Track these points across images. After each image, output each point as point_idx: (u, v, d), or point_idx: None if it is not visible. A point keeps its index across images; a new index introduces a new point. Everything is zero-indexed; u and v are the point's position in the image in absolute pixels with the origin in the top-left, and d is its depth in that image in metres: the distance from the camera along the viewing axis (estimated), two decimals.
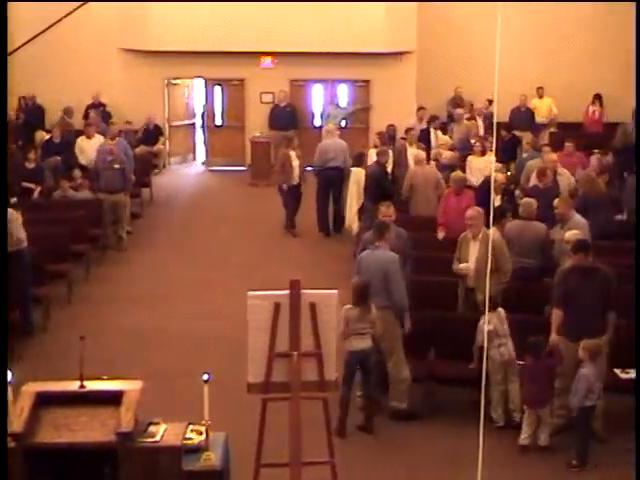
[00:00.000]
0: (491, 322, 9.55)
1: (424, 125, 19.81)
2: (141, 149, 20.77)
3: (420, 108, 21.12)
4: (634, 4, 23.20)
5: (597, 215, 12.68)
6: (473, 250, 10.76)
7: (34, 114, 21.81)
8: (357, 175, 15.75)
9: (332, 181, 17.15)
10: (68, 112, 20.70)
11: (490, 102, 21.63)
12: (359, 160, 16.17)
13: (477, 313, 10.10)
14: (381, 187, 14.74)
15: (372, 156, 16.47)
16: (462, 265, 10.73)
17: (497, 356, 9.61)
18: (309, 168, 17.98)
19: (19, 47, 21.98)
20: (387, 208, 11.42)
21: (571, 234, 10.66)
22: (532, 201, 11.92)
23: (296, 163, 16.98)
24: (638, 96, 15.66)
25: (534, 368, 9.30)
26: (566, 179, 14.48)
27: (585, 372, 8.92)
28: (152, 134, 21.98)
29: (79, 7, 19.99)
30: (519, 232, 11.49)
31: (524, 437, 9.35)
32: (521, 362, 9.67)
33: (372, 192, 14.81)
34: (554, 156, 14.97)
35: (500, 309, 9.85)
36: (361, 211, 15.48)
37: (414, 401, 10.14)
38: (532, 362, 9.33)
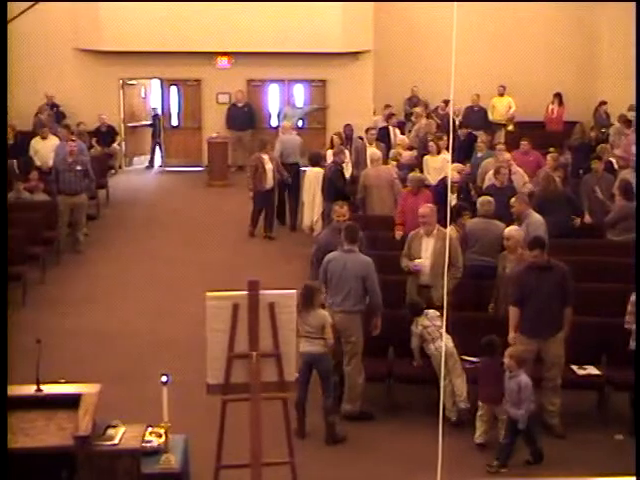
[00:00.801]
0: (419, 324, 9.74)
1: (394, 123, 19.87)
2: (96, 150, 20.61)
3: (387, 106, 21.17)
4: (593, 6, 23.54)
5: (554, 213, 12.79)
6: (426, 247, 10.77)
7: None
8: (315, 175, 15.74)
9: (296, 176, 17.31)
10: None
11: (446, 102, 21.80)
12: (316, 160, 16.16)
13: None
14: (336, 187, 14.80)
15: (329, 156, 16.50)
16: (418, 261, 10.71)
17: (435, 353, 9.66)
18: None
19: None
20: (340, 208, 11.39)
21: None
22: (490, 199, 11.99)
23: (269, 167, 16.65)
24: (638, 97, 15.76)
25: (488, 367, 9.35)
26: (520, 178, 14.57)
27: (524, 380, 8.87)
28: (106, 135, 21.81)
29: (30, 7, 19.86)
30: (482, 230, 11.55)
31: (479, 435, 9.39)
32: (473, 359, 9.75)
33: (328, 192, 14.88)
34: (508, 155, 15.06)
35: (428, 311, 9.99)
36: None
37: (373, 400, 10.16)
38: (486, 361, 9.38)
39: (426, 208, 11.06)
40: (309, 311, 9.36)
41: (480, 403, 9.43)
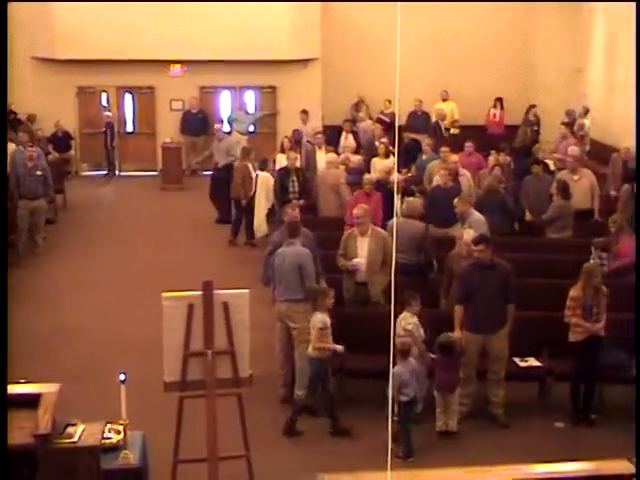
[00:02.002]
0: (406, 319, 9.71)
1: (348, 128, 19.97)
2: (53, 156, 20.38)
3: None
4: (529, 12, 23.81)
5: (496, 213, 12.93)
6: (361, 246, 10.86)
7: None
8: (263, 179, 15.69)
9: (224, 178, 17.37)
10: None
11: (390, 101, 22.01)
12: (264, 165, 16.11)
13: (369, 306, 10.62)
14: (287, 190, 14.90)
15: (281, 160, 16.49)
16: (355, 260, 10.79)
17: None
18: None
19: None
20: (292, 210, 11.47)
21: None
22: (417, 200, 12.09)
23: (254, 175, 16.28)
24: (638, 97, 15.88)
25: (445, 360, 9.43)
26: (466, 180, 14.68)
27: (395, 370, 8.91)
28: (62, 141, 21.60)
29: None
30: (398, 229, 11.55)
31: (440, 424, 9.50)
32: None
33: (280, 195, 14.94)
34: (456, 157, 15.16)
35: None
36: (269, 215, 15.48)
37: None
38: (443, 357, 9.45)
39: (360, 209, 11.14)
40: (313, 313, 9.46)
41: (436, 393, 9.53)
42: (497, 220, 12.90)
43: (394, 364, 8.58)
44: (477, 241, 9.96)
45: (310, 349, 9.47)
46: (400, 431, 9.04)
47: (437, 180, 14.29)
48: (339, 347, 9.51)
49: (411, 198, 12.41)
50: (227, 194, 17.08)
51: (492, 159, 16.07)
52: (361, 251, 10.86)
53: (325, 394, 9.57)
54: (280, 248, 10.26)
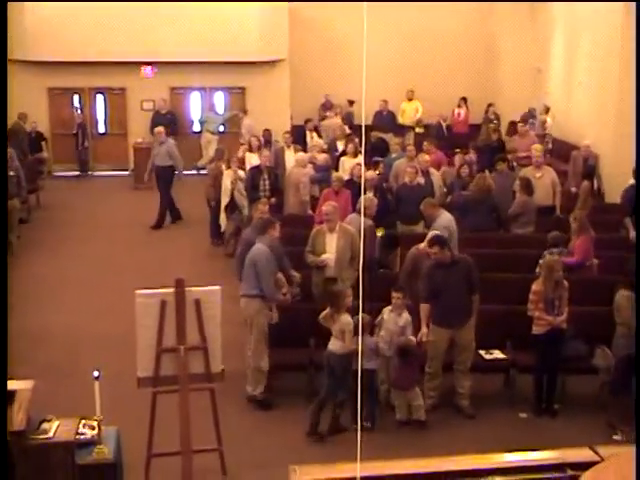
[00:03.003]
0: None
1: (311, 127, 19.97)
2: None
3: (308, 120, 21.17)
4: (490, 12, 23.95)
5: (479, 212, 13.04)
6: (330, 242, 10.90)
7: None
8: (227, 177, 15.59)
9: (160, 177, 17.78)
10: None
11: (350, 102, 22.09)
12: (227, 163, 16.03)
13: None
14: (258, 188, 14.92)
15: (250, 159, 16.46)
16: (325, 256, 10.84)
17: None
18: None
19: None
20: (263, 205, 11.69)
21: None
22: (372, 198, 12.11)
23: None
24: (638, 97, 15.94)
25: (402, 362, 9.49)
26: (437, 179, 14.73)
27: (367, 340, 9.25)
28: (35, 141, 21.45)
29: None
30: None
31: (400, 416, 9.59)
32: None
33: (251, 193, 14.96)
34: (427, 157, 15.17)
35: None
36: (227, 210, 15.42)
37: (297, 387, 10.20)
38: (400, 361, 9.51)
39: (329, 206, 11.17)
40: (334, 314, 9.36)
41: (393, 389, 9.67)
42: (485, 221, 13.03)
43: (362, 358, 8.60)
44: (431, 243, 10.01)
45: (339, 347, 9.26)
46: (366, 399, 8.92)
47: (402, 177, 14.35)
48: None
49: (366, 196, 12.41)
50: (165, 196, 17.70)
51: (458, 158, 16.15)
52: (330, 247, 10.90)
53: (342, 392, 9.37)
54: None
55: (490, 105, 23.39)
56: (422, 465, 6.17)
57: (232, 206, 15.33)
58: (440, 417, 9.73)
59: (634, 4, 16.55)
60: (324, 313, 9.49)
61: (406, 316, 9.75)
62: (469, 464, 6.12)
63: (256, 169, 15.38)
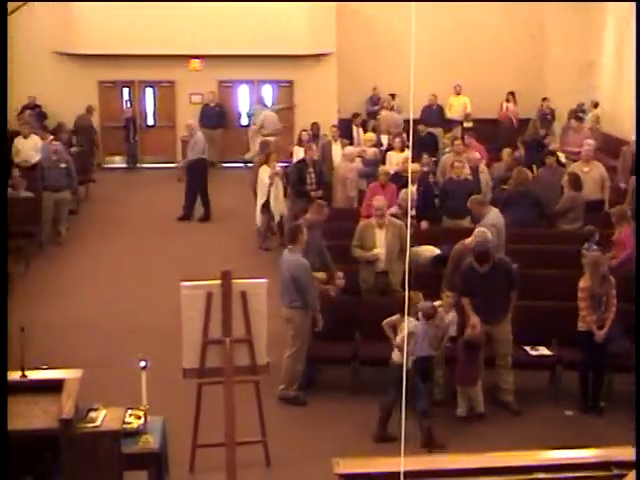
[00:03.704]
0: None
1: (359, 122, 19.97)
2: (76, 148, 20.44)
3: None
4: (541, 6, 23.70)
5: (522, 207, 12.92)
6: (380, 236, 10.84)
7: None
8: (260, 173, 15.62)
9: (200, 172, 17.57)
10: None
11: (392, 96, 21.98)
12: (265, 159, 15.97)
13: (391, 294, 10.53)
14: (301, 182, 14.93)
15: (298, 153, 16.47)
16: (376, 250, 10.77)
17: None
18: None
19: None
20: (320, 207, 11.33)
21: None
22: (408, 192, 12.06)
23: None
24: (638, 98, 15.83)
25: (468, 355, 9.44)
26: (485, 175, 14.62)
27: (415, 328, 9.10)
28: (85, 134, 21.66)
29: (21, 7, 19.75)
30: None
31: (461, 410, 9.57)
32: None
33: (297, 186, 14.98)
34: (478, 155, 15.07)
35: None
36: (264, 208, 15.43)
37: (341, 380, 10.21)
38: (466, 355, 9.44)
39: (380, 201, 11.12)
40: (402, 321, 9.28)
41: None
42: (527, 215, 12.92)
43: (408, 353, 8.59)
44: (480, 260, 9.79)
45: (395, 355, 9.14)
46: (414, 391, 8.80)
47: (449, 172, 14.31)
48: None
49: (405, 190, 12.40)
50: (192, 189, 17.65)
51: (506, 153, 16.02)
52: (380, 241, 10.84)
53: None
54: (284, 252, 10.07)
55: (545, 99, 23.10)
56: (466, 461, 6.14)
57: (268, 201, 15.35)
58: (484, 414, 9.68)
59: None
60: (391, 319, 9.39)
61: (453, 314, 9.73)
62: (514, 461, 6.08)
63: (302, 162, 15.39)
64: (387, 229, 10.84)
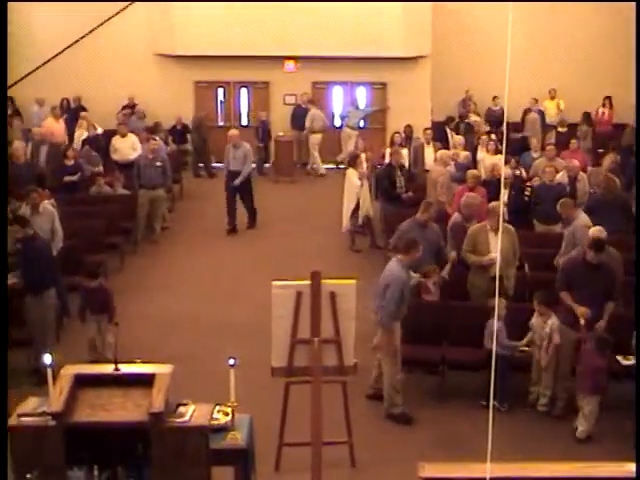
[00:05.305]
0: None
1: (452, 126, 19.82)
2: (171, 147, 20.80)
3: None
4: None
5: (609, 215, 12.65)
6: (494, 241, 10.67)
7: (77, 114, 21.72)
8: (349, 175, 15.62)
9: (236, 186, 16.66)
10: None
11: (494, 98, 21.75)
12: (353, 161, 16.00)
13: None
14: (392, 185, 14.92)
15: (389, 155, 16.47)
16: (493, 255, 10.52)
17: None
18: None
19: (58, 53, 22.32)
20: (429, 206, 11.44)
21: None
22: (475, 196, 12.02)
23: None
24: (638, 96, 15.50)
25: (601, 358, 9.20)
26: (584, 184, 14.32)
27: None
28: (180, 133, 22.03)
29: (122, 11, 20.24)
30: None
31: (582, 429, 9.30)
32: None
33: (388, 189, 15.00)
34: (577, 162, 14.81)
35: None
36: (354, 210, 15.41)
37: (427, 386, 10.16)
38: (601, 354, 9.22)
39: (494, 202, 11.03)
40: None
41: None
42: (614, 221, 12.66)
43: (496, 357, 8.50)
44: (593, 247, 9.63)
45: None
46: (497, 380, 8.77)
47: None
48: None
49: (472, 194, 12.33)
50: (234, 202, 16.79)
51: (608, 159, 15.68)
52: (493, 246, 10.66)
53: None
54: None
55: None
56: (553, 470, 6.05)
57: (357, 204, 15.34)
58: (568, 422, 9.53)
59: None
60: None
61: (551, 322, 9.59)
62: (601, 472, 5.96)
63: (390, 166, 15.34)
64: (502, 233, 10.58)
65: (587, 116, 22.04)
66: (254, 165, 18.81)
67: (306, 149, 22.39)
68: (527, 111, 22.42)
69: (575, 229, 11.46)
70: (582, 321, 9.42)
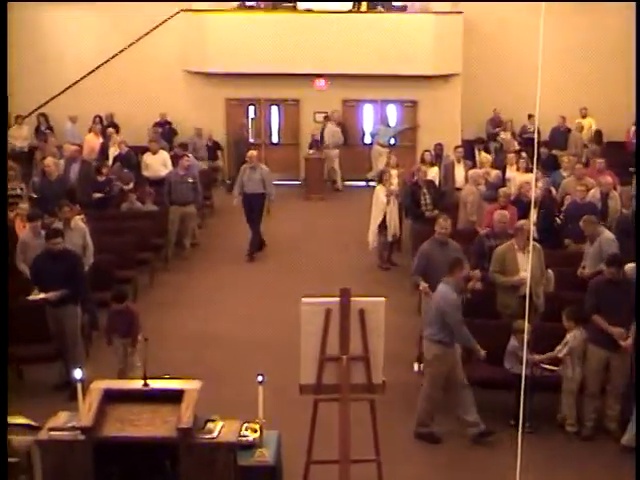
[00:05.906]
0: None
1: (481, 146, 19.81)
2: (204, 164, 20.91)
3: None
4: None
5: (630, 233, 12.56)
6: (523, 260, 10.60)
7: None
8: (377, 192, 15.63)
9: (252, 206, 16.41)
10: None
11: (530, 116, 21.67)
12: (380, 178, 16.02)
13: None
14: (416, 203, 14.96)
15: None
16: (523, 274, 10.37)
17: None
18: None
19: (91, 71, 22.57)
20: (444, 221, 11.25)
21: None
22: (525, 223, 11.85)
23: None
24: (638, 98, 15.36)
25: None
26: (615, 203, 14.20)
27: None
28: (211, 150, 22.15)
29: (155, 29, 20.37)
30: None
31: (627, 438, 9.31)
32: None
33: (412, 208, 15.06)
34: (610, 179, 14.71)
35: None
36: (381, 227, 15.41)
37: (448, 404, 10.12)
38: None
39: (522, 221, 10.97)
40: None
41: None
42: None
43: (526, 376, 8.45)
44: (609, 263, 9.71)
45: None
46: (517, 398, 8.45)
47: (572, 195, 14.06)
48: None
49: (499, 211, 12.37)
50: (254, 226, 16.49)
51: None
52: (523, 265, 10.58)
53: None
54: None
55: None
56: None
57: (383, 221, 15.33)
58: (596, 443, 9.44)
59: None
60: None
61: (574, 334, 9.56)
62: None
63: (415, 185, 15.30)
64: (527, 251, 10.50)
65: (598, 134, 21.89)
66: None
67: (330, 166, 22.43)
68: (555, 129, 22.26)
69: (601, 243, 11.45)
70: (622, 343, 9.36)
